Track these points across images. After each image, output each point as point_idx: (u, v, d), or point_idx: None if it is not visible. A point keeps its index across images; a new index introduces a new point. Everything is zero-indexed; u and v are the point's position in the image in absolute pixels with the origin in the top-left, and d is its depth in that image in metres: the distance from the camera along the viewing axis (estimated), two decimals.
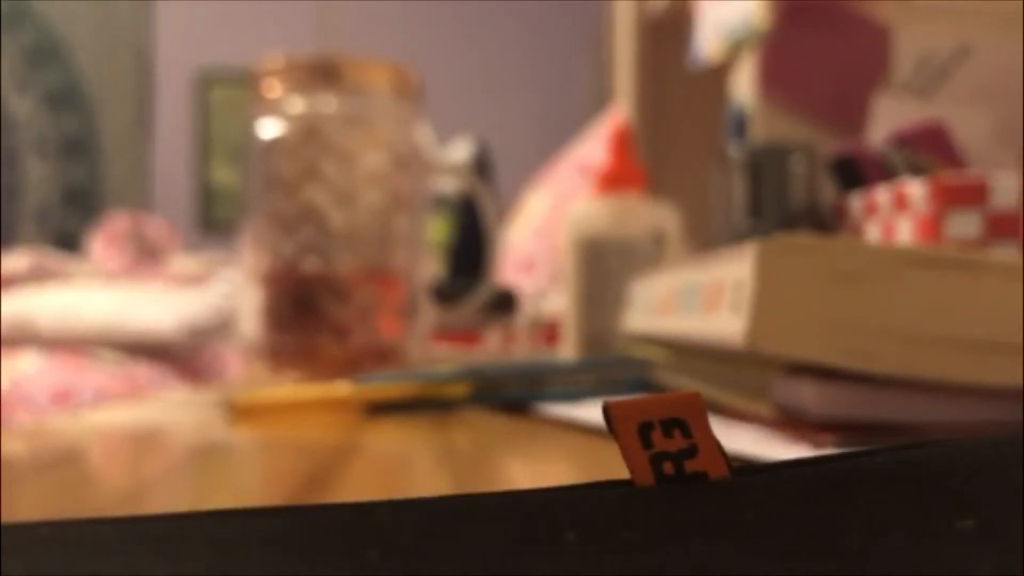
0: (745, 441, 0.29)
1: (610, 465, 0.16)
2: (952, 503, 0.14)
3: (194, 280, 1.82)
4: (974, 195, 0.42)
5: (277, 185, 0.61)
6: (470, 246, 1.24)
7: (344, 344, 0.60)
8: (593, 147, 1.29)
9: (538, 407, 0.41)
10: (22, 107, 3.49)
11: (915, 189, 0.44)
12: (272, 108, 0.63)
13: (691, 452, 0.15)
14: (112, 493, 0.27)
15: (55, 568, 0.12)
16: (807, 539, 0.12)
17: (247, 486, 0.29)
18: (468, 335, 0.92)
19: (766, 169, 0.59)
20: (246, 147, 0.65)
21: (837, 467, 0.16)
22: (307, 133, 0.61)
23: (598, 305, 0.60)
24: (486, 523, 0.13)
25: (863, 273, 0.29)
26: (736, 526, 0.13)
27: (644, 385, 0.43)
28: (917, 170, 0.52)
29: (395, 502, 0.15)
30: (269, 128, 0.62)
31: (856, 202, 0.52)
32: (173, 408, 0.52)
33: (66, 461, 0.33)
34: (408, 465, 0.32)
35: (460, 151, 1.38)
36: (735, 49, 0.81)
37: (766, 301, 0.29)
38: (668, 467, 0.15)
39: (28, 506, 0.24)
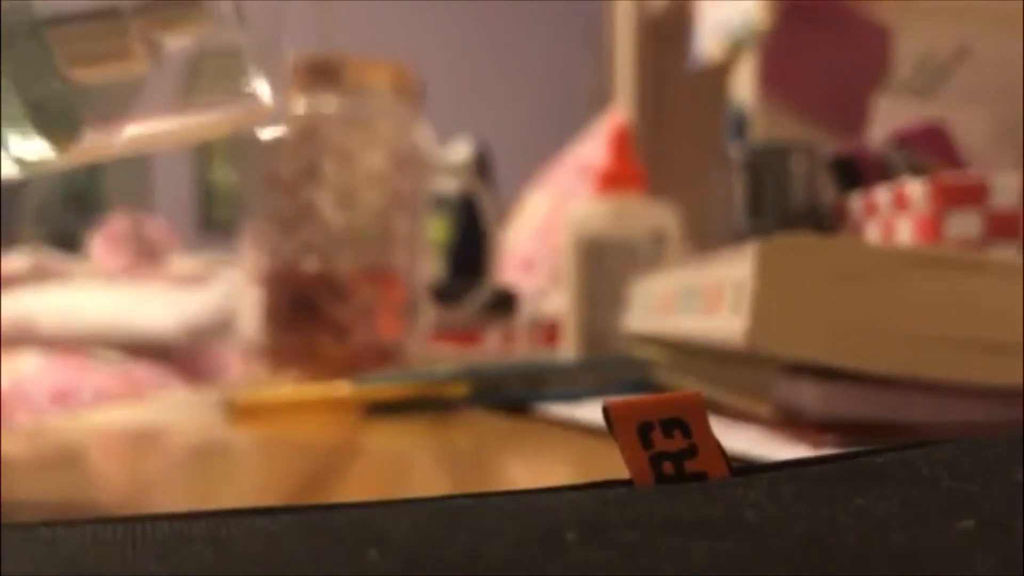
0: (745, 441, 0.29)
1: (610, 465, 0.16)
2: (952, 503, 0.14)
3: (194, 280, 1.82)
4: (974, 195, 0.42)
5: (277, 185, 0.61)
6: (470, 246, 1.24)
7: (344, 344, 0.60)
8: (593, 147, 1.29)
9: (538, 407, 0.41)
10: None
11: (915, 189, 0.44)
12: None
13: (691, 452, 0.15)
14: (112, 493, 0.27)
15: (55, 568, 0.12)
16: (807, 539, 0.12)
17: (247, 486, 0.29)
18: (468, 335, 0.92)
19: (766, 169, 0.59)
20: (246, 147, 0.65)
21: (837, 467, 0.16)
22: (307, 133, 0.61)
23: (598, 305, 0.60)
24: (486, 523, 0.13)
25: (863, 273, 0.29)
26: (736, 526, 0.13)
27: (644, 385, 0.43)
28: (917, 170, 0.52)
29: (395, 502, 0.15)
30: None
31: (856, 202, 0.52)
32: (173, 408, 0.52)
33: (66, 461, 0.33)
34: (408, 465, 0.32)
35: (460, 151, 1.38)
36: (735, 49, 0.81)
37: (766, 301, 0.29)
38: (668, 467, 0.15)
39: (28, 506, 0.24)
